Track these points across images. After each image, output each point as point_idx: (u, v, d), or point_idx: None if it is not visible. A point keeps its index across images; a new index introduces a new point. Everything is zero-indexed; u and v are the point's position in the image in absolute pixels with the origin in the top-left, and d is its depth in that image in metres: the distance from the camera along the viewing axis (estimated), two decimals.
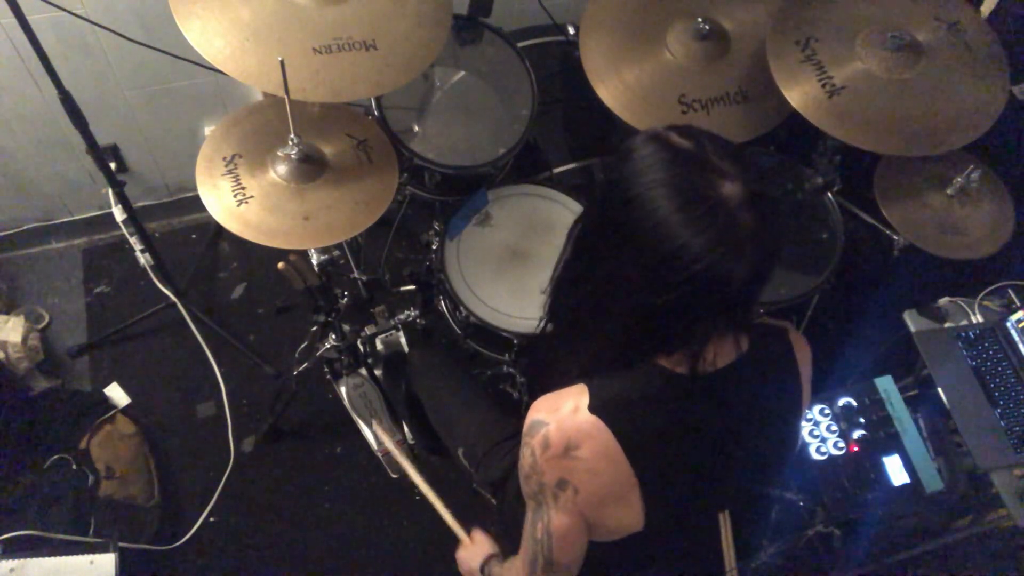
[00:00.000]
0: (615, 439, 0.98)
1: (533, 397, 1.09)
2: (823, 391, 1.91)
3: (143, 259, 2.37)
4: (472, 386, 1.72)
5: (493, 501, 1.58)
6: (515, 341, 1.85)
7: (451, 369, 1.78)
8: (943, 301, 2.01)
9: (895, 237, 1.90)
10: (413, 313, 2.17)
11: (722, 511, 1.19)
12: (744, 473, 1.16)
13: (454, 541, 1.43)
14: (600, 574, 1.34)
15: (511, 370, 1.95)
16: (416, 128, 1.93)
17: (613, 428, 0.98)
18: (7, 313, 2.40)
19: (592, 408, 0.98)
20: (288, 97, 1.43)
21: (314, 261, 1.79)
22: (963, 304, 2.01)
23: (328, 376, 2.17)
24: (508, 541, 1.50)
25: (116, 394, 2.35)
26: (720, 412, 1.06)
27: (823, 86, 1.69)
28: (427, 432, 1.90)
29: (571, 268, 1.06)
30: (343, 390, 2.13)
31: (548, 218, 2.00)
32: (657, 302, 0.91)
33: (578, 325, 1.09)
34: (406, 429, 2.13)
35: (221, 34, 1.45)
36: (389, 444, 1.70)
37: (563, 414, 1.00)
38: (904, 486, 1.81)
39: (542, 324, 1.19)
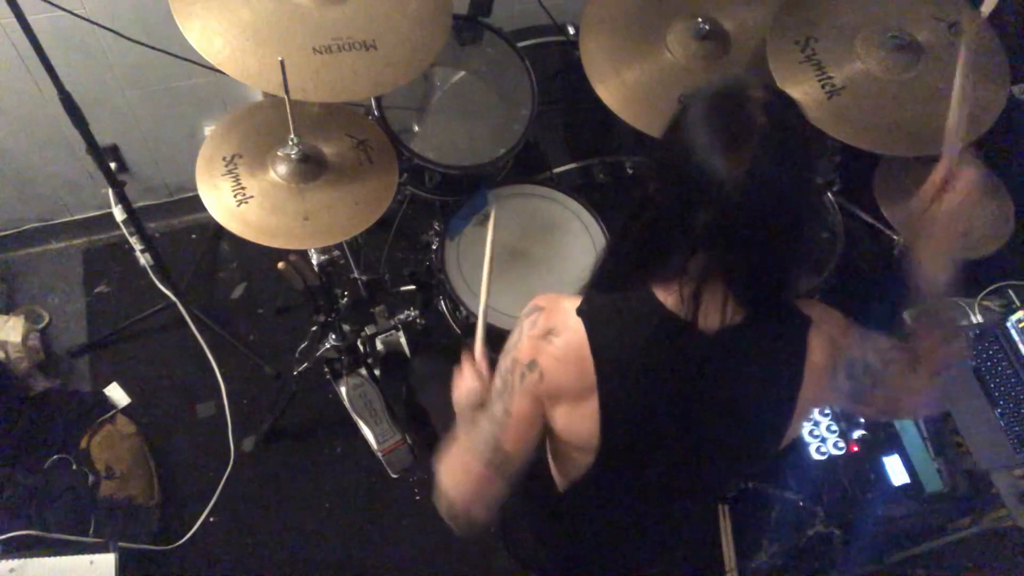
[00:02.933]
0: (588, 342, 1.02)
1: None
2: None
3: (143, 259, 2.37)
4: None
5: None
6: None
7: (453, 372, 1.78)
8: None
9: (895, 237, 1.90)
10: (413, 313, 2.17)
11: (720, 498, 1.19)
12: (716, 443, 1.15)
13: (453, 542, 1.43)
14: (594, 564, 1.34)
15: None
16: (416, 128, 1.93)
17: (589, 331, 1.02)
18: (7, 313, 2.40)
19: (579, 310, 1.04)
20: (288, 97, 1.43)
21: (314, 261, 1.79)
22: (963, 304, 2.01)
23: (328, 376, 2.17)
24: (505, 541, 1.50)
25: (116, 394, 2.35)
26: (696, 365, 1.05)
27: (823, 86, 1.69)
28: (427, 432, 1.90)
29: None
30: (343, 390, 2.13)
31: (548, 218, 2.00)
32: (659, 197, 0.97)
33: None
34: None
35: (221, 34, 1.45)
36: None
37: (558, 305, 1.07)
38: (904, 486, 1.81)
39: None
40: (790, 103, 0.93)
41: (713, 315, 1.01)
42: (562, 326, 1.04)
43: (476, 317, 1.42)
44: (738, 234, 0.92)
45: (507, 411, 1.09)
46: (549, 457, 1.28)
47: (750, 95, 0.90)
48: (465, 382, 1.27)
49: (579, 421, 1.08)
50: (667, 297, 1.02)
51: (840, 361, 1.10)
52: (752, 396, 1.10)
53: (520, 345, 1.08)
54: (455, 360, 1.31)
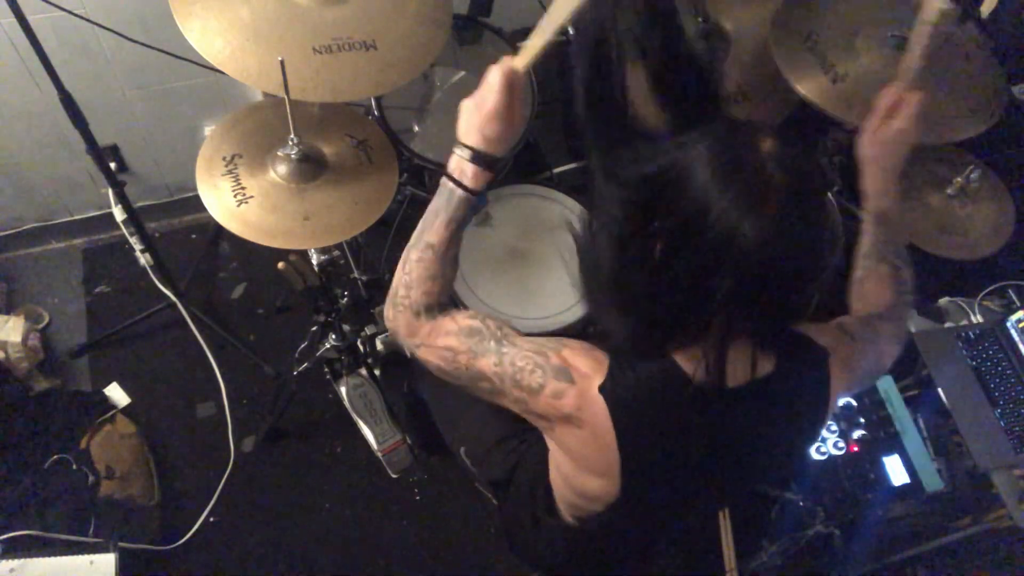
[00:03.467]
0: (612, 428, 0.98)
1: None
2: None
3: (143, 259, 2.37)
4: None
5: (495, 501, 1.58)
6: None
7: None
8: (943, 301, 2.02)
9: None
10: None
11: (704, 514, 1.19)
12: (736, 484, 1.15)
13: (453, 542, 1.42)
14: (596, 571, 1.34)
15: None
16: (416, 128, 1.93)
17: (613, 417, 0.97)
18: (7, 313, 2.40)
19: (603, 389, 0.98)
20: (288, 97, 1.43)
21: (314, 261, 1.79)
22: (963, 304, 2.02)
23: (328, 376, 2.17)
24: (510, 541, 1.50)
25: (116, 394, 2.35)
26: (726, 426, 1.04)
27: (825, 72, 1.68)
28: (426, 432, 1.90)
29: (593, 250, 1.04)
30: (343, 390, 2.13)
31: (548, 218, 2.00)
32: (673, 266, 0.89)
33: (604, 305, 1.04)
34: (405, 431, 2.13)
35: (221, 34, 1.45)
36: None
37: (586, 385, 0.99)
38: (904, 486, 1.81)
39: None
40: (802, 152, 0.89)
41: (741, 372, 0.99)
42: (587, 414, 0.99)
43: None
44: (762, 293, 0.88)
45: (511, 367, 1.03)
46: (554, 492, 1.25)
47: (762, 150, 0.85)
48: (488, 84, 1.08)
49: (594, 481, 1.05)
50: (690, 364, 0.97)
51: (855, 376, 1.12)
52: (783, 435, 1.10)
53: (540, 400, 1.02)
54: None
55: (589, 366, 1.00)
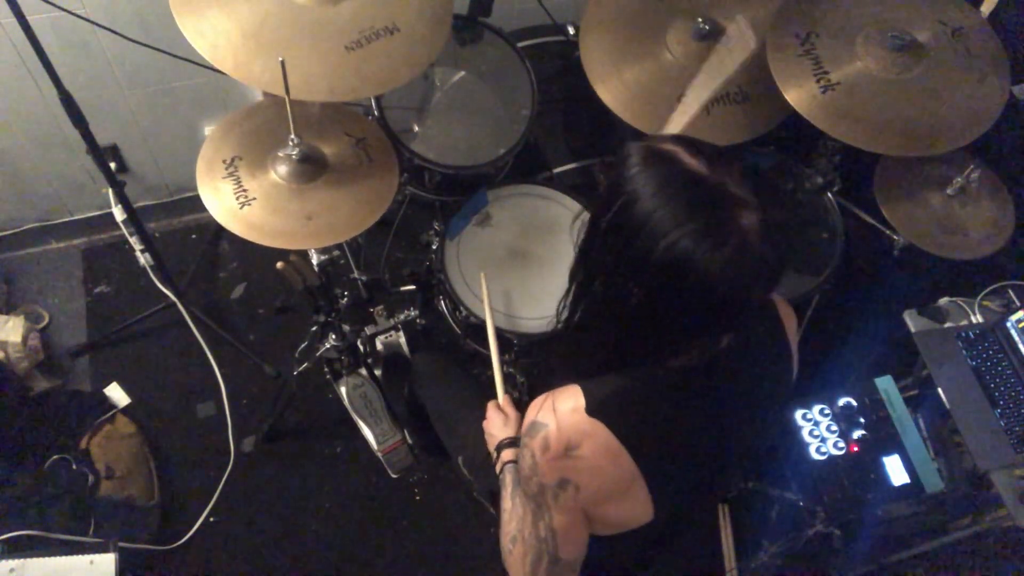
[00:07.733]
0: (614, 437, 0.98)
1: (533, 398, 1.09)
2: (823, 391, 1.91)
3: (143, 259, 2.37)
4: (474, 392, 1.72)
5: (492, 510, 1.57)
6: (515, 341, 1.85)
7: (454, 374, 1.78)
8: (943, 301, 2.02)
9: (895, 237, 1.90)
10: (413, 313, 2.17)
11: (722, 499, 1.21)
12: (738, 451, 1.17)
13: (453, 542, 1.42)
14: (601, 572, 1.34)
15: (511, 370, 1.95)
16: (416, 128, 1.93)
17: (611, 426, 0.98)
18: (7, 313, 2.40)
19: (589, 410, 0.99)
20: (288, 97, 1.43)
21: (314, 261, 1.79)
22: (963, 304, 2.02)
23: (328, 376, 2.17)
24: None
25: (116, 394, 2.35)
26: (714, 394, 1.06)
27: (817, 81, 1.68)
28: (426, 433, 1.89)
29: (574, 276, 1.07)
30: (343, 390, 2.13)
31: (548, 218, 2.00)
32: (656, 310, 0.94)
33: (576, 331, 1.09)
34: (405, 431, 2.13)
35: (226, 35, 1.44)
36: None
37: (562, 414, 1.01)
38: (904, 486, 1.81)
39: (558, 322, 1.18)
40: (770, 208, 0.92)
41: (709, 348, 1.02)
42: (580, 435, 0.99)
43: (486, 345, 1.54)
44: (730, 312, 0.94)
45: (551, 530, 1.06)
46: None
47: (746, 228, 0.88)
48: (493, 421, 1.39)
49: (629, 509, 1.06)
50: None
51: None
52: (765, 390, 1.14)
53: (540, 468, 1.04)
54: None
55: (558, 402, 1.02)
